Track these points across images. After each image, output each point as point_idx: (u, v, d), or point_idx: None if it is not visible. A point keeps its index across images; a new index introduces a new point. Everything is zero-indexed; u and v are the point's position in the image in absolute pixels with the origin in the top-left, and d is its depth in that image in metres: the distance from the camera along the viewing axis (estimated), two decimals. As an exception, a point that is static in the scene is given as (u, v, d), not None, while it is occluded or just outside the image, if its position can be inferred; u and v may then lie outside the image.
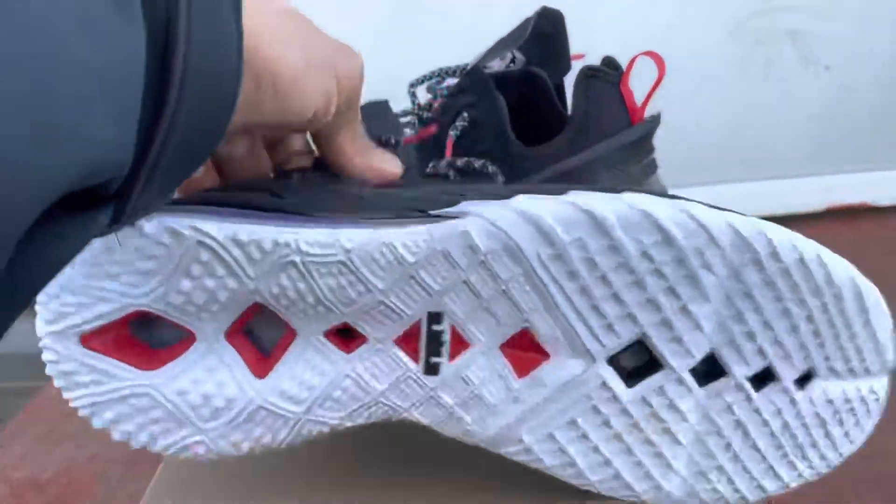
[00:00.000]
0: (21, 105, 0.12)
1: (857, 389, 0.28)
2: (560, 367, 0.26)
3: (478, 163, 0.33)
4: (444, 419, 0.27)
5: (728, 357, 0.26)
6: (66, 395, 0.27)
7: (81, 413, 0.27)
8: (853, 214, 0.93)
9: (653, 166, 0.35)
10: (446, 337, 0.26)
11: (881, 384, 0.29)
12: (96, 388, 0.27)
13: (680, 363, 0.26)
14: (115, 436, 0.28)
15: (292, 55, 0.24)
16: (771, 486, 0.28)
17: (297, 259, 0.25)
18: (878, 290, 0.27)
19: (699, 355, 0.26)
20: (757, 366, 0.26)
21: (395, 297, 0.25)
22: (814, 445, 0.28)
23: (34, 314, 0.25)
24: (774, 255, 0.24)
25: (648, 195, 0.25)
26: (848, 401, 0.28)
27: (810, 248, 0.25)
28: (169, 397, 0.27)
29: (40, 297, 0.26)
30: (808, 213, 0.94)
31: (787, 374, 0.27)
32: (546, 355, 0.26)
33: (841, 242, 0.27)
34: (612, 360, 0.26)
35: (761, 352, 0.26)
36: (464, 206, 0.26)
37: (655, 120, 0.34)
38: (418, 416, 0.27)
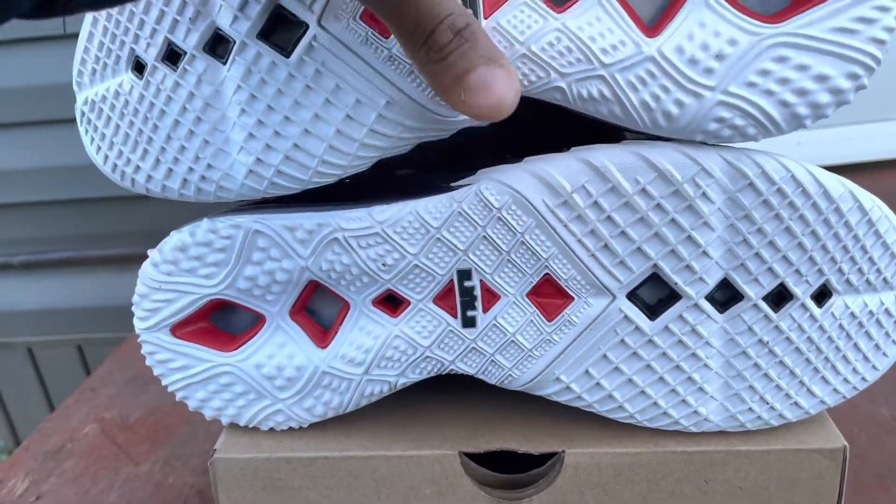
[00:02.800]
0: None
1: (880, 302, 0.29)
2: (584, 306, 0.29)
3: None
4: (487, 367, 0.30)
5: (741, 280, 0.28)
6: (164, 382, 0.32)
7: (178, 396, 0.32)
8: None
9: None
10: (477, 291, 0.29)
11: (907, 295, 0.30)
12: (186, 371, 0.31)
13: (696, 291, 0.28)
14: (207, 414, 0.32)
15: None
16: (807, 403, 0.30)
17: (339, 236, 0.28)
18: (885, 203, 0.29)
19: (712, 282, 0.28)
20: (770, 285, 0.28)
21: (427, 259, 0.29)
22: (845, 359, 0.29)
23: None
24: (765, 175, 0.26)
25: (643, 141, 0.27)
26: (872, 314, 0.29)
27: (801, 167, 0.27)
28: (247, 372, 0.31)
29: (134, 298, 0.31)
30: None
31: (803, 291, 0.28)
32: (570, 297, 0.29)
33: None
34: (633, 296, 0.29)
35: (772, 271, 0.28)
36: (479, 174, 0.29)
37: None
38: (463, 366, 0.30)
